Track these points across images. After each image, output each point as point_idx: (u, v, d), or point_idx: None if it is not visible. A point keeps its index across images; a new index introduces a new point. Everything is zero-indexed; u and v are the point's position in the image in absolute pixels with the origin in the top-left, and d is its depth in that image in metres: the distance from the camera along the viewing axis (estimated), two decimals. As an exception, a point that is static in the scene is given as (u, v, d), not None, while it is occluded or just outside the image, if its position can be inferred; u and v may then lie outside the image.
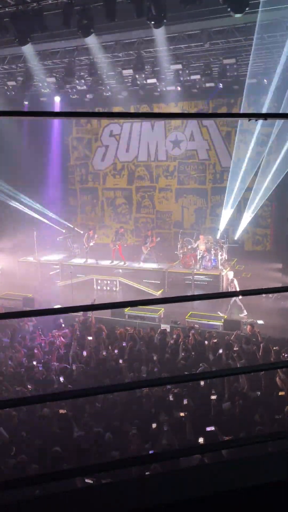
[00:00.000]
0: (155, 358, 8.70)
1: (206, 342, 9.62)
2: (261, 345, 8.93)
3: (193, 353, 9.04)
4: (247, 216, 17.92)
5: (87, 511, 1.46)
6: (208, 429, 5.94)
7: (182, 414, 6.49)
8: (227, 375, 7.39)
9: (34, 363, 8.71)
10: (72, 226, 19.15)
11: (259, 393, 7.38)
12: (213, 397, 7.04)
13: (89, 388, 4.08)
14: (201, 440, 5.90)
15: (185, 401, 6.96)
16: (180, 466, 4.73)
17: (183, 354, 9.02)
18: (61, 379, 7.88)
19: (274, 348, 8.86)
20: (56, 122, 18.77)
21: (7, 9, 10.48)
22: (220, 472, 1.65)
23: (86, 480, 4.74)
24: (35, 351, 9.34)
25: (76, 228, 19.06)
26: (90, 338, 9.88)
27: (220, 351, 8.84)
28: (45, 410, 6.83)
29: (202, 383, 7.50)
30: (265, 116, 1.87)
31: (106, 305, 1.87)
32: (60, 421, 6.54)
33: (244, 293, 2.12)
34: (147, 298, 13.48)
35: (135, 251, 16.90)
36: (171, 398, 7.13)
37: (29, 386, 7.70)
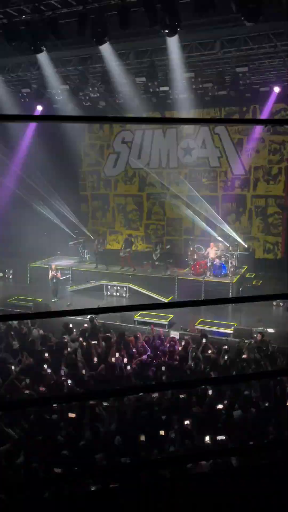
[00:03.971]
0: (163, 368, 8.63)
1: (215, 350, 9.55)
2: (270, 353, 8.85)
3: (201, 360, 8.97)
4: (258, 224, 17.86)
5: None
6: (219, 438, 5.91)
7: (188, 422, 6.44)
8: (233, 382, 7.34)
9: (45, 366, 8.73)
10: (84, 230, 19.22)
11: (267, 403, 7.29)
12: (220, 406, 6.99)
13: (94, 391, 4.09)
14: (207, 439, 5.88)
15: (193, 409, 6.92)
16: (187, 472, 4.70)
17: (192, 363, 8.96)
18: (69, 382, 7.90)
19: None
20: (68, 128, 18.86)
21: (23, 17, 10.66)
22: (227, 479, 1.65)
23: (94, 485, 4.72)
24: (45, 355, 9.36)
25: (88, 233, 19.14)
26: (94, 342, 9.86)
27: (225, 357, 8.78)
28: (54, 416, 6.84)
29: (210, 391, 7.44)
30: (282, 122, 1.89)
31: (111, 309, 1.89)
32: (69, 424, 6.53)
33: (252, 299, 2.13)
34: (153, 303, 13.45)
35: (145, 258, 16.90)
36: (179, 405, 7.08)
37: (40, 389, 7.71)
